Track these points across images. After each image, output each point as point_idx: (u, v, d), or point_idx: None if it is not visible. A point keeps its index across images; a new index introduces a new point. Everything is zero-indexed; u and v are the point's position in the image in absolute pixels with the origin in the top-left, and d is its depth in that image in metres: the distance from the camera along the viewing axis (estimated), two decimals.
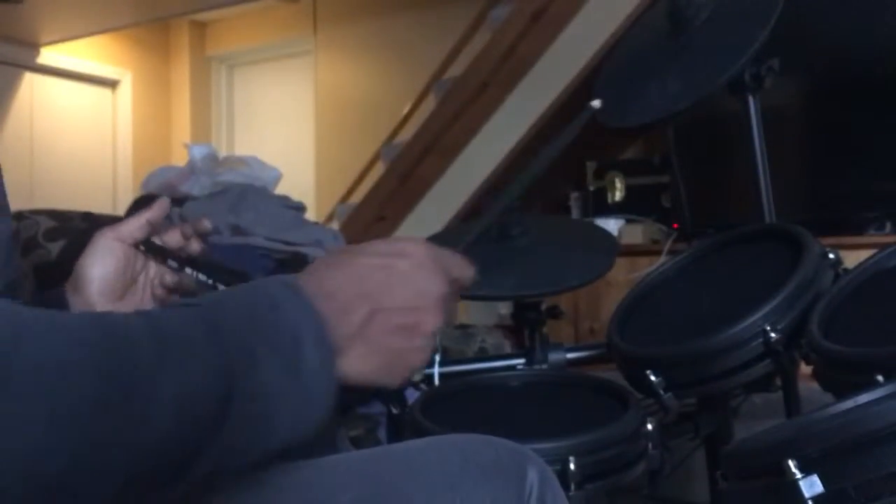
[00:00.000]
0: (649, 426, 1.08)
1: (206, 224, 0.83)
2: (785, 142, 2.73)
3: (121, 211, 2.49)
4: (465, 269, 0.64)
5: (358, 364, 0.56)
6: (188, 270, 0.80)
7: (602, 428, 1.03)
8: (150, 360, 0.44)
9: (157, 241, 0.82)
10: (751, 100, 1.39)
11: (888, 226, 2.76)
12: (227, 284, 0.81)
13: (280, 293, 0.54)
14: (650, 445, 1.07)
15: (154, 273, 0.81)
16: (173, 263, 0.81)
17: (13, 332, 0.39)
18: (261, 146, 5.68)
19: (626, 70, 1.48)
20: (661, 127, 3.07)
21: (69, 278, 0.78)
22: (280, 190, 2.38)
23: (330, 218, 4.73)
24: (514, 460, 0.69)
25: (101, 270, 0.77)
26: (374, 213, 3.90)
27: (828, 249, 1.14)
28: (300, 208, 2.28)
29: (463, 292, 0.67)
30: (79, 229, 2.16)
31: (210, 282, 0.81)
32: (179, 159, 3.30)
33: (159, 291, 0.82)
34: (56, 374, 0.39)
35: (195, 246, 0.83)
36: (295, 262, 1.97)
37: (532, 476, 0.68)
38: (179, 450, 0.45)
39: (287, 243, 2.04)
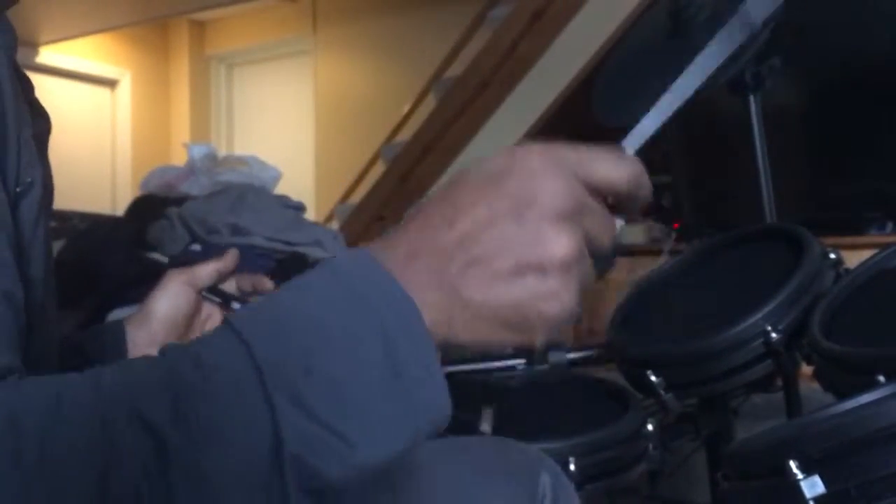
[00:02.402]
0: (650, 426, 1.07)
1: (268, 284, 0.84)
2: (786, 142, 2.73)
3: (120, 211, 2.49)
4: (612, 166, 0.47)
5: (468, 331, 0.44)
6: None
7: (602, 428, 1.02)
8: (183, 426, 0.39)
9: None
10: (752, 99, 1.39)
11: (889, 226, 2.76)
12: None
13: (355, 274, 0.43)
14: (650, 446, 1.07)
15: (205, 316, 0.82)
16: (237, 307, 0.82)
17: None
18: (260, 146, 5.68)
19: (627, 70, 1.48)
20: (661, 127, 3.06)
21: (133, 314, 0.79)
22: (279, 190, 2.38)
23: (330, 218, 4.73)
24: (527, 463, 0.69)
25: (170, 311, 0.78)
26: (373, 213, 3.90)
27: (829, 250, 1.14)
28: (300, 208, 2.28)
29: (625, 199, 0.48)
30: (78, 229, 2.16)
31: None
32: (179, 159, 3.30)
33: None
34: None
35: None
36: (294, 262, 1.97)
37: (545, 478, 0.68)
38: None
39: (287, 243, 2.04)
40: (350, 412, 0.40)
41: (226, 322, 0.43)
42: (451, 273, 0.43)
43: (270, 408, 0.39)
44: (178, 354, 0.41)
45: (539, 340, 0.44)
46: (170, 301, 0.78)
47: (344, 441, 0.40)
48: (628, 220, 0.50)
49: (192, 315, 0.80)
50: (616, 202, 0.48)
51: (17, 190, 0.52)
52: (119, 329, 0.77)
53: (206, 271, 0.80)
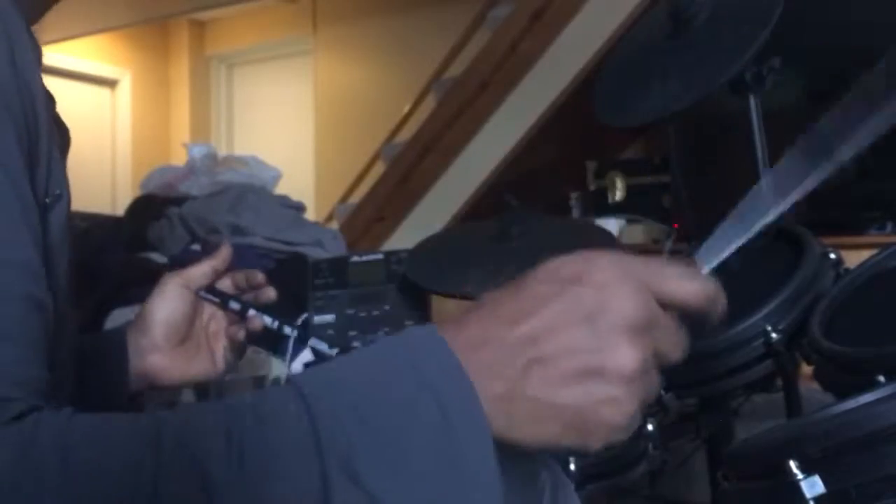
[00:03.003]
0: (650, 426, 1.07)
1: (260, 277, 0.84)
2: (786, 141, 2.73)
3: (120, 211, 2.49)
4: (685, 283, 0.47)
5: (527, 429, 0.44)
6: (251, 312, 0.82)
7: None
8: None
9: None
10: (752, 99, 1.39)
11: (889, 226, 2.76)
12: (290, 324, 0.83)
13: (421, 350, 0.44)
14: (651, 446, 1.07)
15: (207, 317, 0.82)
16: (235, 306, 0.82)
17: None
18: (260, 146, 5.67)
19: (627, 70, 1.47)
20: (661, 127, 3.07)
21: (132, 320, 0.79)
22: (280, 190, 2.38)
23: (329, 218, 4.73)
24: (526, 461, 0.69)
25: (169, 315, 0.78)
26: (373, 213, 3.90)
27: (829, 249, 1.14)
28: (300, 208, 2.28)
29: (701, 317, 0.48)
30: (79, 229, 2.16)
31: (275, 324, 0.82)
32: (179, 159, 3.30)
33: (221, 336, 0.82)
34: None
35: (270, 293, 0.84)
36: (294, 262, 1.97)
37: (544, 477, 0.68)
38: None
39: (286, 243, 2.04)
40: (401, 491, 0.40)
41: (290, 380, 0.43)
42: (515, 368, 0.43)
43: (323, 475, 0.40)
44: (241, 405, 0.42)
45: (595, 447, 0.44)
46: (167, 305, 0.78)
47: None
48: (698, 334, 0.50)
49: (192, 316, 0.80)
50: (688, 317, 0.48)
51: (47, 201, 0.53)
52: (120, 336, 0.77)
53: (201, 271, 0.80)
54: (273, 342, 0.85)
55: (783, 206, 0.58)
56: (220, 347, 0.82)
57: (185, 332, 0.79)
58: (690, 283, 0.47)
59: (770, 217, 0.56)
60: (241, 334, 0.81)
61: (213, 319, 0.82)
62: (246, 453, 0.39)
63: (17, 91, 0.48)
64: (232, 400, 0.42)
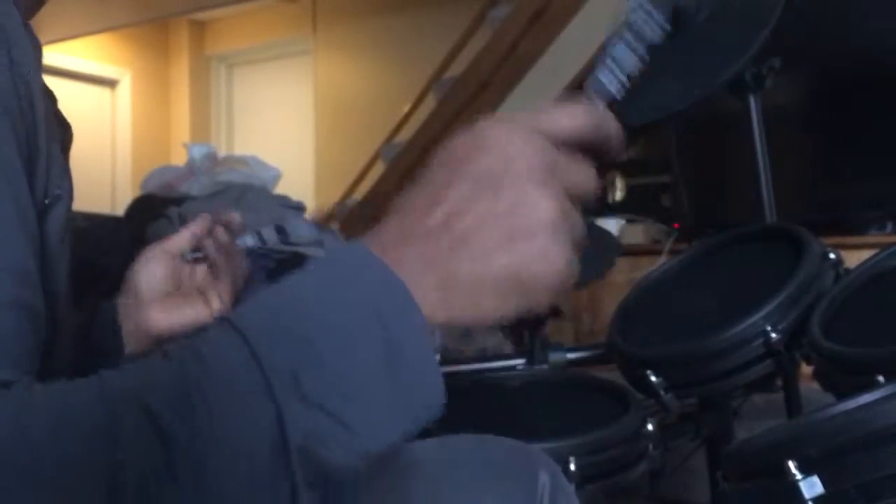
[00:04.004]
0: (650, 426, 1.07)
1: (237, 218, 0.85)
2: (786, 141, 2.73)
3: (120, 210, 2.49)
4: (570, 116, 0.47)
5: (468, 308, 0.44)
6: (237, 242, 0.84)
7: (602, 428, 1.02)
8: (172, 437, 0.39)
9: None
10: (752, 99, 1.39)
11: (889, 226, 2.76)
12: (265, 227, 0.84)
13: (349, 263, 0.44)
14: (651, 446, 1.07)
15: (188, 271, 0.83)
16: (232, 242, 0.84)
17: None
18: (260, 146, 5.68)
19: None
20: (661, 127, 3.07)
21: (122, 293, 0.80)
22: (280, 190, 2.38)
23: (329, 218, 4.73)
24: (526, 462, 0.69)
25: (147, 278, 0.79)
26: (373, 213, 3.90)
27: (829, 249, 1.14)
28: (300, 208, 2.28)
29: (591, 143, 0.47)
30: (79, 229, 2.16)
31: (254, 234, 0.86)
32: (179, 159, 3.30)
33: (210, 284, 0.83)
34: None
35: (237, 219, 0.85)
36: (294, 262, 1.97)
37: (543, 478, 0.68)
38: None
39: (287, 243, 2.04)
40: (350, 399, 0.41)
41: (223, 317, 0.43)
42: (441, 254, 0.43)
43: (273, 399, 0.40)
44: (181, 351, 0.42)
45: (541, 303, 0.44)
46: (148, 271, 0.79)
47: (346, 428, 0.40)
48: (605, 165, 0.50)
49: (177, 279, 0.81)
50: (591, 152, 0.48)
51: (46, 202, 0.52)
52: (112, 309, 0.78)
53: (181, 236, 0.81)
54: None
55: (651, 23, 0.57)
56: (216, 290, 0.82)
57: (170, 289, 0.80)
58: (577, 115, 0.47)
59: (644, 34, 0.56)
60: (241, 262, 0.83)
61: (199, 271, 0.83)
62: (192, 397, 0.39)
63: (15, 91, 0.48)
64: (170, 347, 0.42)
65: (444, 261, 0.43)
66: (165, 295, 0.79)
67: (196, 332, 0.43)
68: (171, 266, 0.80)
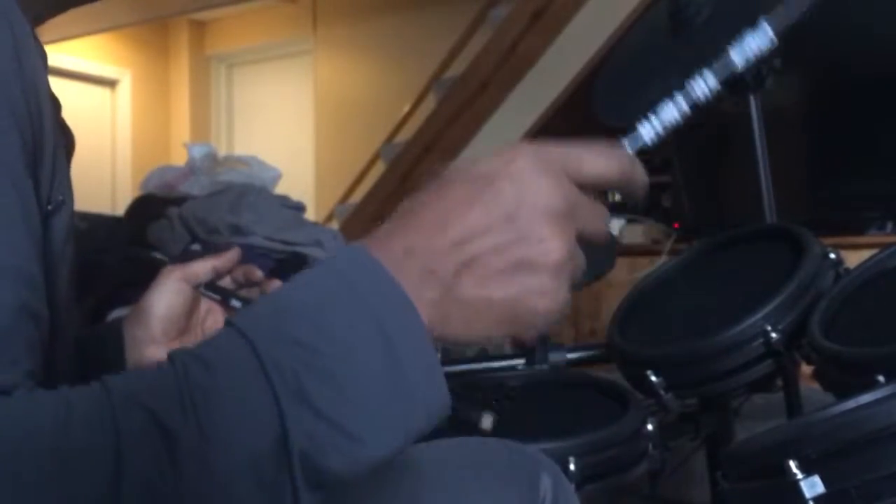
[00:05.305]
0: (650, 426, 1.07)
1: (258, 273, 0.83)
2: (786, 141, 2.73)
3: (120, 211, 2.49)
4: (598, 160, 0.47)
5: (462, 328, 0.45)
6: None
7: (602, 428, 1.02)
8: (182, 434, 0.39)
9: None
10: (752, 99, 1.39)
11: (889, 226, 2.76)
12: None
13: (352, 269, 0.44)
14: (650, 446, 1.07)
15: (204, 311, 0.81)
16: (237, 304, 0.80)
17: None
18: (260, 146, 5.68)
19: (627, 70, 1.47)
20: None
21: (130, 312, 0.78)
22: (279, 190, 2.38)
23: (329, 218, 4.74)
24: (528, 465, 0.69)
25: (167, 308, 0.77)
26: (373, 213, 3.90)
27: (829, 249, 1.14)
28: (300, 208, 2.28)
29: (616, 188, 0.49)
30: (79, 229, 2.16)
31: None
32: (179, 159, 3.30)
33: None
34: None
35: (263, 289, 0.83)
36: (294, 262, 1.97)
37: (546, 481, 0.68)
38: None
39: (286, 243, 2.04)
40: (353, 407, 0.41)
41: (228, 322, 0.43)
42: (446, 273, 0.44)
43: (276, 405, 0.40)
44: (186, 357, 0.42)
45: (530, 334, 0.46)
46: (165, 298, 0.77)
47: (348, 436, 0.41)
48: (630, 213, 0.51)
49: (191, 311, 0.79)
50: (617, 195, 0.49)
51: (49, 208, 0.52)
52: (117, 328, 0.76)
53: (203, 268, 0.79)
54: None
55: (698, 94, 0.56)
56: None
57: (182, 327, 0.79)
58: (606, 160, 0.47)
59: (686, 105, 0.56)
60: None
61: (211, 315, 0.81)
62: (197, 399, 0.40)
63: (23, 96, 0.48)
64: (176, 354, 0.42)
65: (447, 280, 0.44)
66: (177, 333, 0.78)
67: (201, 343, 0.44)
68: (187, 297, 0.78)
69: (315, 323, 0.42)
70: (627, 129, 0.55)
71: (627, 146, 0.53)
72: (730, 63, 0.57)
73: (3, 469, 0.37)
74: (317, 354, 0.41)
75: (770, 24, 0.56)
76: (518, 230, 0.44)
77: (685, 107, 0.55)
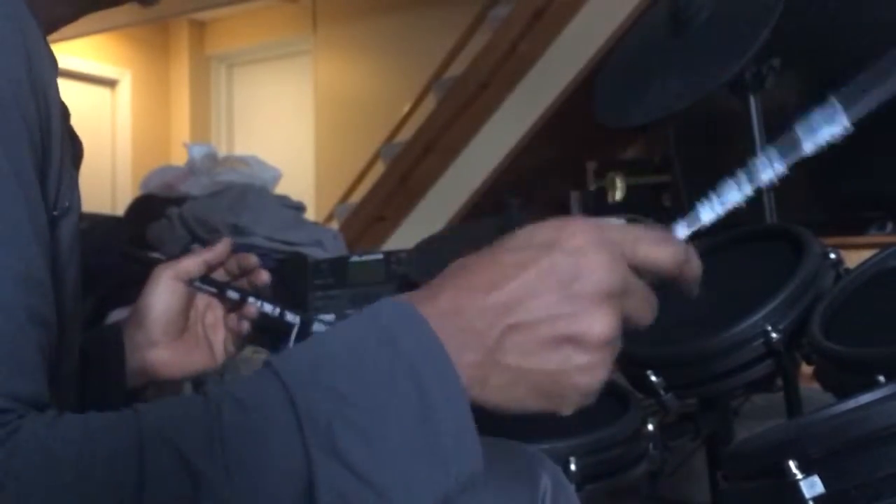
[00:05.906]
0: (650, 426, 1.07)
1: (254, 259, 0.82)
2: None
3: (120, 211, 2.49)
4: (657, 247, 0.47)
5: (499, 395, 0.44)
6: (251, 300, 0.79)
7: (602, 428, 1.02)
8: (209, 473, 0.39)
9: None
10: (752, 99, 1.39)
11: (889, 226, 2.76)
12: (292, 311, 0.79)
13: (394, 322, 0.43)
14: (651, 446, 1.07)
15: (203, 307, 0.81)
16: (234, 295, 0.79)
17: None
18: (260, 146, 5.68)
19: (627, 70, 1.48)
20: (661, 127, 3.07)
21: (128, 315, 0.77)
22: (280, 190, 2.38)
23: (329, 218, 4.73)
24: (528, 464, 0.69)
25: (163, 310, 0.76)
26: (373, 213, 3.90)
27: (829, 249, 1.14)
28: (300, 208, 2.28)
29: (667, 278, 0.48)
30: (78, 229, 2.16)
31: (276, 311, 0.79)
32: (179, 159, 3.30)
33: (219, 327, 0.81)
34: None
35: (263, 276, 0.81)
36: (294, 262, 1.97)
37: (546, 480, 0.68)
38: None
39: (286, 243, 2.04)
40: (382, 462, 0.41)
41: (267, 364, 0.43)
42: (490, 336, 0.43)
43: (306, 454, 0.40)
44: (220, 395, 0.42)
45: (567, 411, 0.45)
46: (161, 298, 0.76)
47: (376, 492, 0.40)
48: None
49: (187, 308, 0.79)
50: (663, 282, 0.48)
51: (55, 213, 0.52)
52: (117, 332, 0.76)
53: (194, 263, 0.78)
54: (275, 339, 0.83)
55: (760, 180, 0.55)
56: (219, 338, 0.80)
57: (182, 325, 0.78)
58: (663, 248, 0.47)
59: (747, 191, 0.54)
60: (245, 325, 0.79)
61: (210, 310, 0.81)
62: (227, 441, 0.39)
63: (34, 102, 0.48)
64: (209, 388, 0.42)
65: (491, 344, 0.43)
66: (177, 332, 0.77)
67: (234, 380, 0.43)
68: (182, 295, 0.77)
69: (352, 374, 0.42)
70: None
71: (686, 226, 0.53)
72: (799, 149, 0.56)
73: (23, 501, 0.37)
74: (351, 406, 0.41)
75: (842, 105, 0.55)
76: (570, 303, 0.43)
77: (749, 190, 0.54)
